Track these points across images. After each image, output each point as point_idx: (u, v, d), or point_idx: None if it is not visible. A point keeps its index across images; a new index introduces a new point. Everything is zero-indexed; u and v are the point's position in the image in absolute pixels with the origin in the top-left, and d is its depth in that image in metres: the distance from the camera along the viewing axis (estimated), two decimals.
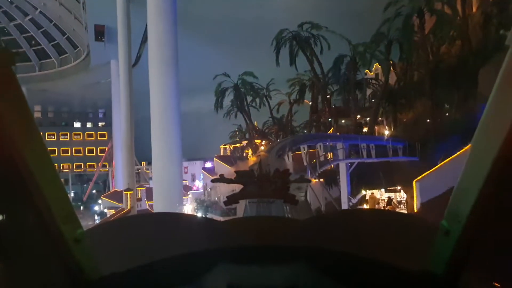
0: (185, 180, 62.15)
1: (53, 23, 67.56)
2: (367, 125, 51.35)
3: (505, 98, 0.98)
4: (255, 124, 52.27)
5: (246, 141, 52.96)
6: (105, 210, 51.66)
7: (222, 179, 2.73)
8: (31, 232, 1.21)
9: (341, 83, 36.20)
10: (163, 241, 1.70)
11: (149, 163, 78.04)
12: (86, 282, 1.31)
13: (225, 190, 44.13)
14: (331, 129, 33.76)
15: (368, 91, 44.89)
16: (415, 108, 42.89)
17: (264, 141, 45.36)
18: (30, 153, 1.05)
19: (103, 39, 57.41)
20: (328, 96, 41.24)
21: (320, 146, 23.87)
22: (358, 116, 51.99)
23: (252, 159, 43.49)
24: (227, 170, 47.39)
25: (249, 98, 47.81)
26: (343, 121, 48.73)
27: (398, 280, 1.40)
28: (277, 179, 2.25)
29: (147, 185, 53.94)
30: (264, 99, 48.76)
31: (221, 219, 2.73)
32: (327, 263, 1.59)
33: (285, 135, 45.65)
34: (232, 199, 2.32)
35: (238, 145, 51.64)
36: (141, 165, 71.84)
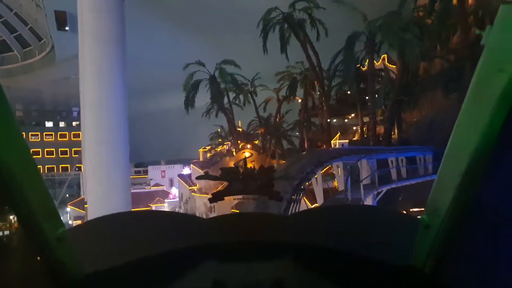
0: (163, 186, 55.60)
1: (13, 12, 57.59)
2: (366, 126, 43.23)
3: (481, 96, 0.98)
4: (239, 124, 43.37)
5: (229, 143, 44.34)
6: (70, 222, 43.42)
7: (207, 176, 2.62)
8: (11, 231, 1.16)
9: (351, 71, 27.06)
10: (148, 238, 1.63)
11: (136, 165, 70.10)
12: (69, 280, 1.28)
13: (201, 203, 35.62)
14: (338, 134, 25.18)
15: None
16: (431, 105, 35.01)
17: (249, 145, 36.44)
18: (10, 150, 1.00)
19: (66, 28, 48.16)
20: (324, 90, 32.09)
21: (338, 167, 15.11)
22: (353, 115, 43.92)
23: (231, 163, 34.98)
24: (205, 180, 38.89)
25: (231, 95, 38.45)
26: (334, 120, 40.36)
27: (381, 273, 1.39)
28: (262, 175, 2.11)
29: None
30: (249, 95, 39.50)
31: None
32: (312, 259, 1.57)
33: (273, 138, 36.89)
34: (217, 196, 2.17)
35: (219, 148, 42.82)
36: None
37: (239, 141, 39.80)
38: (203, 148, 45.48)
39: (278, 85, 40.28)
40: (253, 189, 2.12)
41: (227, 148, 42.06)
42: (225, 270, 1.60)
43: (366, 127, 31.15)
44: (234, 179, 2.12)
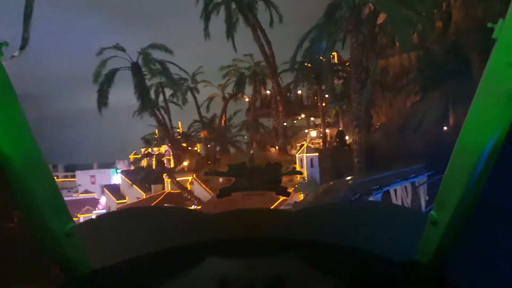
0: (93, 193, 47.29)
1: None
2: (317, 128, 37.55)
3: (492, 93, 0.94)
4: (179, 126, 35.92)
5: (167, 146, 36.67)
6: None
7: (216, 172, 2.68)
8: (20, 227, 1.12)
9: (328, 56, 20.06)
10: (154, 234, 1.55)
11: (66, 168, 60.18)
12: (77, 275, 1.24)
13: None
14: (305, 145, 18.84)
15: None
16: (390, 108, 30.22)
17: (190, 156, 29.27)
18: (19, 146, 0.97)
19: None
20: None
21: None
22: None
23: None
24: (136, 193, 31.44)
25: (167, 92, 30.84)
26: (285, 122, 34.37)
27: (386, 270, 1.32)
28: (269, 171, 2.04)
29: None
30: (189, 92, 32.26)
31: None
32: (316, 255, 1.50)
33: (218, 143, 30.16)
34: (224, 192, 2.07)
35: (155, 152, 35.15)
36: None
37: (183, 144, 32.68)
38: (134, 154, 37.55)
39: (223, 81, 33.53)
40: (259, 185, 1.96)
41: (164, 154, 34.50)
42: (229, 266, 1.53)
43: (352, 135, 23.48)
44: (241, 175, 1.97)
